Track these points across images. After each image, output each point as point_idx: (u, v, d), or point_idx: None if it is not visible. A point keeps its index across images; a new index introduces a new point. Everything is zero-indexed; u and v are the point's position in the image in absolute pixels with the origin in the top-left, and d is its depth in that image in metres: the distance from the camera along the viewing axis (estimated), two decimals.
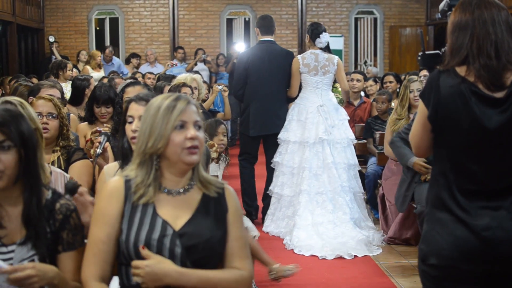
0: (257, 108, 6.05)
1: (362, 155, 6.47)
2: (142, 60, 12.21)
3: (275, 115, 6.01)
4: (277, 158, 5.84)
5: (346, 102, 6.86)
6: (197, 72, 7.60)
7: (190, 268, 2.07)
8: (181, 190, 2.16)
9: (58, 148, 3.34)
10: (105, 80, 7.15)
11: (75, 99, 5.73)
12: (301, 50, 12.14)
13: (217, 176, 4.03)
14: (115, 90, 4.53)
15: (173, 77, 6.43)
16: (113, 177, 2.23)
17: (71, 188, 2.32)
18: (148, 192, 2.11)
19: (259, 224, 5.84)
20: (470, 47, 2.19)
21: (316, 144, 5.63)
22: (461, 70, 2.20)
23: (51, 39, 11.48)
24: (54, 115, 3.35)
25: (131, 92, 3.72)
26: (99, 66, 10.16)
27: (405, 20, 13.34)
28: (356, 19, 13.39)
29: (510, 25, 2.21)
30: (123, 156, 2.74)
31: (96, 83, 5.44)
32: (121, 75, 9.25)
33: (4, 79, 8.46)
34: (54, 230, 2.10)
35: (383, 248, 5.21)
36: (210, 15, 13.01)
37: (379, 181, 5.87)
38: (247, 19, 13.25)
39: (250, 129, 6.09)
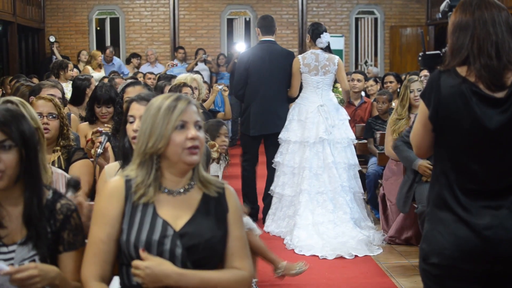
0: (257, 108, 6.06)
1: (363, 155, 6.47)
2: (143, 60, 12.21)
3: (275, 115, 6.01)
4: (278, 158, 5.85)
5: (346, 102, 6.86)
6: (197, 72, 7.61)
7: (190, 268, 2.07)
8: (182, 190, 2.16)
9: (58, 148, 3.35)
10: (106, 80, 7.15)
11: (76, 99, 5.73)
12: (302, 50, 12.14)
13: (217, 176, 4.03)
14: (116, 90, 4.53)
15: (173, 77, 6.43)
16: (113, 177, 2.23)
17: (74, 184, 2.32)
18: (149, 192, 2.11)
19: (259, 224, 5.84)
20: (471, 48, 2.19)
21: (317, 143, 5.63)
22: (462, 70, 2.20)
23: (52, 39, 11.50)
24: (55, 115, 3.35)
25: (132, 92, 3.72)
26: (100, 66, 10.16)
27: (405, 20, 13.34)
28: (356, 19, 13.39)
29: (510, 26, 2.21)
30: (124, 156, 2.74)
31: (97, 83, 5.45)
32: (121, 75, 9.24)
33: (4, 79, 8.47)
34: (54, 230, 2.10)
35: (383, 248, 5.21)
36: (211, 15, 13.01)
37: (379, 181, 5.87)
38: (247, 19, 13.25)
39: (251, 129, 6.09)
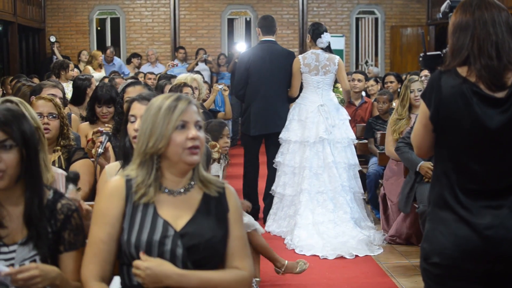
0: (258, 108, 6.06)
1: (363, 155, 6.47)
2: (143, 60, 12.22)
3: (276, 115, 6.02)
4: (279, 158, 5.85)
5: (347, 102, 6.86)
6: (198, 72, 7.61)
7: (191, 268, 2.07)
8: (182, 190, 2.16)
9: (58, 147, 3.35)
10: (106, 80, 7.15)
11: (77, 99, 5.73)
12: (302, 50, 12.14)
13: (218, 176, 4.04)
14: (117, 90, 4.54)
15: (174, 77, 6.43)
16: (114, 177, 2.23)
17: (73, 178, 2.32)
18: (149, 192, 2.11)
19: (260, 224, 5.83)
20: (471, 48, 2.19)
21: (317, 143, 5.64)
22: (462, 71, 2.21)
23: (52, 39, 11.50)
24: (55, 115, 3.36)
25: (132, 92, 3.73)
26: (100, 66, 10.16)
27: (406, 20, 13.34)
28: (357, 19, 13.38)
29: (510, 26, 2.22)
30: (125, 155, 2.74)
31: (97, 83, 5.45)
32: (122, 75, 9.24)
33: (5, 79, 8.47)
34: (55, 230, 2.10)
35: (384, 248, 5.21)
36: (211, 15, 13.01)
37: (380, 181, 5.87)
38: (248, 19, 13.25)
39: (251, 128, 6.09)
